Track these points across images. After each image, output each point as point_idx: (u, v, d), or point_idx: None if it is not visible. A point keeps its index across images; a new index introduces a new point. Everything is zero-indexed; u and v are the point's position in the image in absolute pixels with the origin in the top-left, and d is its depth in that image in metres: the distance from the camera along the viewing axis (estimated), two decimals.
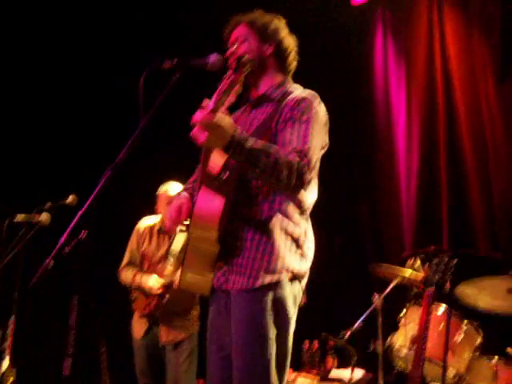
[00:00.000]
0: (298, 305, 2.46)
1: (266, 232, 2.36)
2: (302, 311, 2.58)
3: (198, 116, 2.22)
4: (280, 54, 2.64)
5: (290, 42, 2.67)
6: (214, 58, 2.44)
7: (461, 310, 4.12)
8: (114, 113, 5.57)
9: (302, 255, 2.44)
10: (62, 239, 2.16)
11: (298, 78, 2.75)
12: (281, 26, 2.67)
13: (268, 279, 2.34)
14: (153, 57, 2.49)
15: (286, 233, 2.40)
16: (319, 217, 2.79)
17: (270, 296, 2.34)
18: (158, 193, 4.65)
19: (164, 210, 4.54)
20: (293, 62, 2.69)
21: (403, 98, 5.84)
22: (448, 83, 5.50)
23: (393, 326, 4.24)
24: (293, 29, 2.76)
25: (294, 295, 2.41)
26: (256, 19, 2.64)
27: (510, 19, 5.20)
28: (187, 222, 2.47)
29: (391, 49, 6.03)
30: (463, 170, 5.34)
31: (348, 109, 5.79)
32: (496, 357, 3.98)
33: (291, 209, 2.43)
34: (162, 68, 2.42)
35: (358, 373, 4.60)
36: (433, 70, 5.61)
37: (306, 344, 4.97)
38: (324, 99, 2.60)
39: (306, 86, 2.67)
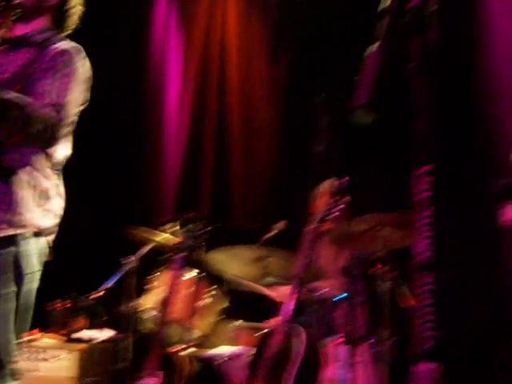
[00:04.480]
0: (42, 261, 2.37)
1: (12, 184, 2.23)
2: (52, 270, 2.49)
3: None
4: (62, 9, 2.48)
5: (78, 2, 2.52)
6: None
7: (210, 276, 4.31)
8: None
9: (50, 210, 2.35)
10: None
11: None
12: None
13: (10, 232, 2.22)
14: None
15: (35, 186, 2.28)
16: (75, 173, 2.72)
17: (11, 250, 2.22)
18: None
19: None
20: (72, 24, 2.53)
21: (180, 64, 5.88)
22: (224, 57, 5.66)
23: (145, 289, 4.30)
24: None
25: (38, 251, 2.31)
26: None
27: (284, 5, 5.46)
28: None
29: (174, 13, 6.02)
30: (229, 141, 5.56)
31: (121, 67, 5.65)
32: (239, 321, 4.23)
33: (42, 162, 2.32)
34: None
35: (108, 333, 4.61)
36: (210, 42, 5.72)
37: (56, 304, 4.86)
38: (94, 54, 2.50)
39: (76, 37, 2.53)
